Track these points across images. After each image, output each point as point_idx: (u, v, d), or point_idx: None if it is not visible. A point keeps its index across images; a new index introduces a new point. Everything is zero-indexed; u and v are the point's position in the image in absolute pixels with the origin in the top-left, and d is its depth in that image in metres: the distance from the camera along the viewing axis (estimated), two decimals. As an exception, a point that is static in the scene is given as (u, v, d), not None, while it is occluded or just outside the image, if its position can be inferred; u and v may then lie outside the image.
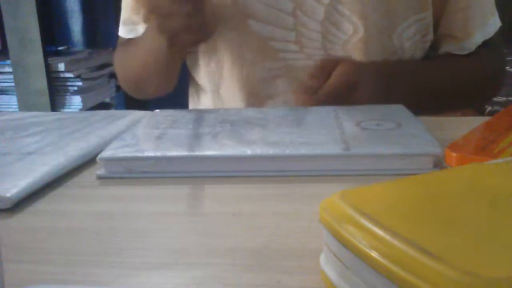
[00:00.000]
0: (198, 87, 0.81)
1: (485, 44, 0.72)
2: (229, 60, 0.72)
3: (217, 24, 0.66)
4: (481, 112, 1.45)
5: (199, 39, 0.65)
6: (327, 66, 0.63)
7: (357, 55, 0.68)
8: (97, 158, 0.44)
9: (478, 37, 0.71)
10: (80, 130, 0.54)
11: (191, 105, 0.85)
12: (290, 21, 0.68)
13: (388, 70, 0.67)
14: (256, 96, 0.73)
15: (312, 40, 0.68)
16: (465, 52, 0.72)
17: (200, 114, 0.57)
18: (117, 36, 0.84)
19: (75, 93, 1.69)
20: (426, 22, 0.70)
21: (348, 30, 0.67)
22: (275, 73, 0.70)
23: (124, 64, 0.82)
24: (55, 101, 1.69)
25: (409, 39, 0.70)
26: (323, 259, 0.26)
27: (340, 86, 0.61)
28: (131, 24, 0.80)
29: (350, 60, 0.67)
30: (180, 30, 0.61)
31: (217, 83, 0.75)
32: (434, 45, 0.74)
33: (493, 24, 0.73)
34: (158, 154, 0.43)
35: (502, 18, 0.75)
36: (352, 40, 0.68)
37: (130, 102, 1.90)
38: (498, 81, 0.80)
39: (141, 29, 0.79)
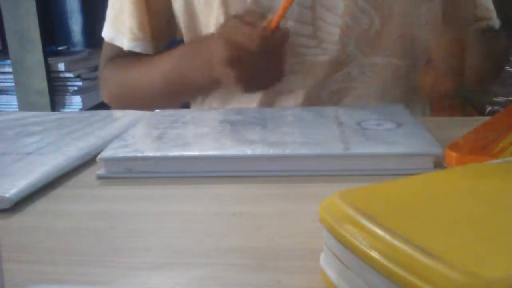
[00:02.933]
0: None
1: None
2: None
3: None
4: (481, 112, 1.45)
5: (275, 83, 0.65)
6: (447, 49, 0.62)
7: (374, 48, 0.69)
8: (97, 158, 0.44)
9: (496, 19, 0.76)
10: (80, 130, 0.54)
11: (193, 104, 0.84)
12: (309, 15, 0.68)
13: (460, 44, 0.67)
14: (272, 91, 0.72)
15: (330, 34, 0.68)
16: (496, 29, 0.76)
17: (200, 114, 0.57)
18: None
19: (75, 93, 1.69)
20: (437, 9, 0.70)
21: (366, 23, 0.68)
22: (291, 68, 0.70)
23: (131, 84, 0.78)
24: (55, 101, 1.69)
25: (421, 27, 0.70)
26: (323, 259, 0.26)
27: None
28: (136, 40, 0.77)
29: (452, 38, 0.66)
30: (262, 80, 0.61)
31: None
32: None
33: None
34: (158, 154, 0.43)
35: (502, 17, 0.76)
36: (369, 33, 0.68)
37: (130, 102, 1.89)
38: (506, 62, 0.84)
39: (147, 45, 0.77)
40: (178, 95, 0.75)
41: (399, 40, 0.70)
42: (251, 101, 0.73)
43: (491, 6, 0.76)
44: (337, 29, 0.68)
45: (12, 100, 1.72)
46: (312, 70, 0.69)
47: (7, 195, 0.37)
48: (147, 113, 0.60)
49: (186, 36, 0.76)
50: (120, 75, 0.79)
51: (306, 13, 0.68)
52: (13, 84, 1.69)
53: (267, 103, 0.72)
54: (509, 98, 1.43)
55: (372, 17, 0.67)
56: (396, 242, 0.21)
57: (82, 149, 0.48)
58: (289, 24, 0.68)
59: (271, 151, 0.43)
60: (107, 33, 0.79)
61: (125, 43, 0.77)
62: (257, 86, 0.64)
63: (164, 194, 0.40)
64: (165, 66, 0.73)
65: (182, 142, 0.46)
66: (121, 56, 0.79)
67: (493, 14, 0.76)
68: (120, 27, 0.78)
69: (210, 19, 0.72)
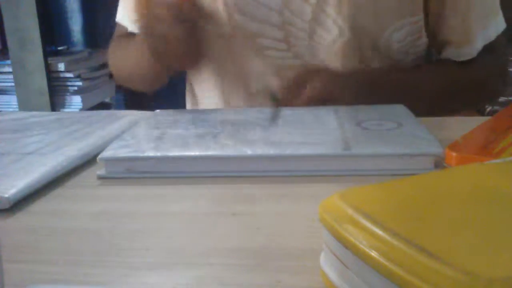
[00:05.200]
0: (191, 86, 0.81)
1: (486, 47, 0.70)
2: (217, 55, 0.72)
3: (207, 51, 0.66)
4: (481, 112, 1.45)
5: (190, 65, 0.66)
6: (303, 78, 0.62)
7: (343, 57, 0.67)
8: (98, 158, 0.44)
9: (479, 42, 0.69)
10: (80, 130, 0.54)
11: (187, 104, 0.85)
12: (278, 19, 0.68)
13: (371, 79, 0.66)
14: (249, 93, 0.72)
15: (300, 39, 0.68)
16: (467, 58, 0.69)
17: (201, 114, 0.57)
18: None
19: (75, 93, 1.69)
20: (418, 25, 0.68)
21: (333, 31, 0.67)
22: (262, 71, 0.70)
23: (117, 60, 0.83)
24: (55, 101, 1.69)
25: (399, 42, 0.68)
26: (323, 259, 0.26)
27: (315, 99, 0.60)
28: (131, 21, 0.80)
29: (328, 71, 0.66)
30: (172, 55, 0.62)
31: (204, 77, 0.75)
32: (435, 51, 0.73)
33: (495, 26, 0.70)
34: (158, 154, 0.43)
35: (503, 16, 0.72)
36: (337, 42, 0.67)
37: (130, 102, 1.90)
38: (498, 85, 0.78)
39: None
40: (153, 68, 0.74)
41: (369, 52, 0.68)
42: (228, 107, 0.73)
43: (471, 30, 0.68)
44: (306, 34, 0.68)
45: (12, 100, 1.72)
46: (284, 73, 0.69)
47: (6, 195, 0.37)
48: (148, 113, 0.60)
49: None
50: (117, 51, 0.83)
51: (274, 16, 0.68)
52: (13, 84, 1.70)
53: (247, 107, 0.72)
54: (509, 98, 1.43)
55: (341, 27, 0.66)
56: (396, 242, 0.21)
57: (82, 149, 0.48)
58: (258, 26, 0.68)
59: (271, 151, 0.43)
60: (118, 13, 0.83)
61: (127, 24, 0.80)
62: (174, 61, 0.64)
63: (164, 194, 0.40)
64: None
65: (182, 142, 0.46)
66: (124, 34, 0.82)
67: (476, 38, 0.68)
68: (124, 9, 0.81)
69: None
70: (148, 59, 0.66)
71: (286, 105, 0.60)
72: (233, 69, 0.72)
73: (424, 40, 0.70)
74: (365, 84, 0.65)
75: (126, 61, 0.79)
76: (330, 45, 0.67)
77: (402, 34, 0.68)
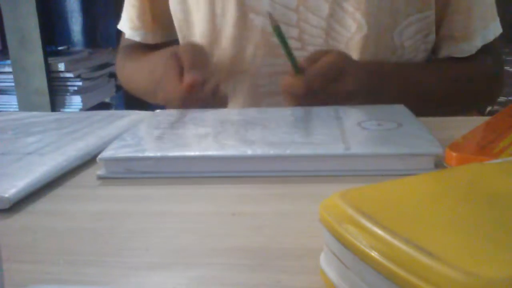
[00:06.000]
0: None
1: (484, 48, 0.71)
2: (230, 54, 0.72)
3: (228, 93, 0.65)
4: (481, 112, 1.45)
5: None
6: (318, 54, 0.62)
7: (359, 53, 0.68)
8: (97, 158, 0.44)
9: (478, 40, 0.71)
10: (80, 130, 0.54)
11: None
12: (293, 17, 0.68)
13: (380, 69, 0.66)
14: (256, 92, 0.72)
15: (315, 37, 0.68)
16: (465, 55, 0.71)
17: (201, 114, 0.57)
18: (117, 35, 0.84)
19: (75, 93, 1.69)
20: (429, 21, 0.69)
21: (351, 27, 0.67)
22: (276, 70, 0.70)
23: (126, 73, 0.82)
24: (55, 101, 1.69)
25: (410, 38, 0.69)
26: (323, 259, 0.26)
27: (326, 70, 0.59)
28: (136, 29, 0.80)
29: (341, 51, 0.66)
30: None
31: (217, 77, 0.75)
32: (435, 47, 0.73)
33: (493, 29, 0.72)
34: (158, 154, 0.43)
35: (502, 17, 0.74)
36: (355, 37, 0.67)
37: (130, 102, 1.90)
38: (496, 86, 0.79)
39: (146, 34, 0.79)
40: (156, 98, 0.75)
41: (384, 47, 0.69)
42: (234, 104, 0.73)
43: (473, 27, 0.70)
44: (322, 32, 0.68)
45: (12, 100, 1.72)
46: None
47: (6, 195, 0.37)
48: (148, 113, 0.60)
49: (179, 31, 0.77)
50: (124, 64, 0.82)
51: (291, 15, 0.68)
52: (13, 84, 1.70)
53: (253, 105, 0.72)
54: (509, 98, 1.43)
55: (359, 22, 0.66)
56: (396, 242, 0.21)
57: (82, 149, 0.48)
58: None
59: (271, 151, 0.43)
60: (121, 21, 0.82)
61: (127, 31, 0.79)
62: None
63: (164, 194, 0.40)
64: (149, 66, 0.74)
65: (182, 142, 0.46)
66: (130, 46, 0.82)
67: (476, 35, 0.70)
68: (126, 15, 0.81)
69: (199, 15, 0.73)
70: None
71: (297, 74, 0.59)
72: (243, 69, 0.72)
73: (432, 36, 0.71)
74: (374, 73, 0.64)
75: (137, 75, 0.79)
76: (347, 41, 0.68)
77: (412, 30, 0.69)
